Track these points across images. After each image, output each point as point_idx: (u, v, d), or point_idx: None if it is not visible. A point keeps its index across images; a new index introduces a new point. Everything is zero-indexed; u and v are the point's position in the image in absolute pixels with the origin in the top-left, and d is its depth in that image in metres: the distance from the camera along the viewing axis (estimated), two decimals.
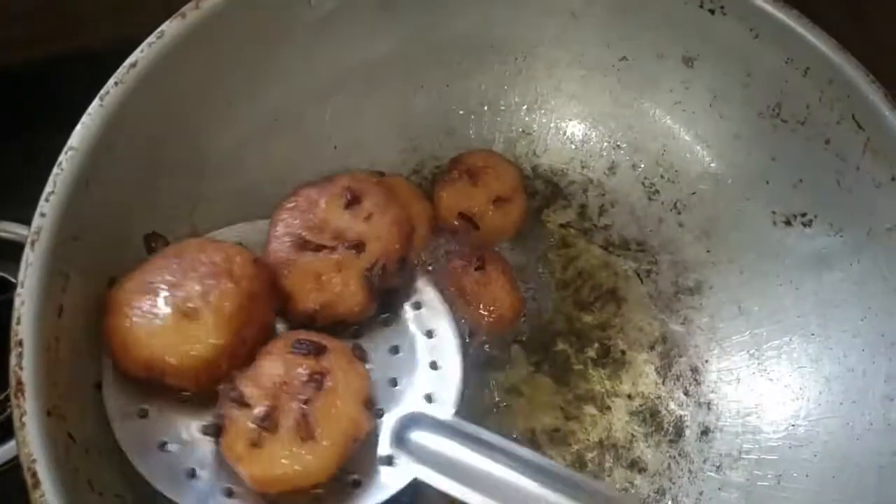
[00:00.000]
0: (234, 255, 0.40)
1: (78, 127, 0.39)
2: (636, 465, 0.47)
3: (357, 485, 0.39)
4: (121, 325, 0.37)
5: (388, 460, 0.39)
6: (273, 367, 0.38)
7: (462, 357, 0.43)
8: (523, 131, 0.55)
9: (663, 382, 0.49)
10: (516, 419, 0.48)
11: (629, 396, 0.49)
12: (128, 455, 0.37)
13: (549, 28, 0.51)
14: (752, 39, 0.47)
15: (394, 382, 0.42)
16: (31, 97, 0.61)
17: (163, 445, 0.38)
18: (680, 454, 0.47)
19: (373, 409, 0.39)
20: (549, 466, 0.38)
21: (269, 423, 0.36)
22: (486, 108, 0.54)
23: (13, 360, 0.34)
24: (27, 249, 0.36)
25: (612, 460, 0.47)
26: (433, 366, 0.43)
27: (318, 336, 0.40)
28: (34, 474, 0.32)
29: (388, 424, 0.40)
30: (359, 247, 0.42)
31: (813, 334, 0.47)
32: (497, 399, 0.48)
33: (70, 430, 0.35)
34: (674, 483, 0.46)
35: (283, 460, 0.36)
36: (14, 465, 0.50)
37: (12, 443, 0.50)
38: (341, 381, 0.38)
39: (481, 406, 0.47)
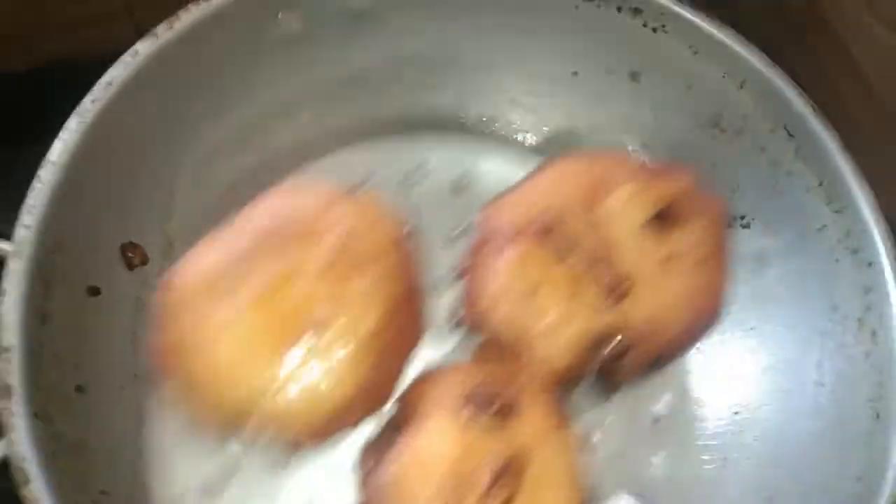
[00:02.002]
0: (370, 224, 0.26)
1: (56, 142, 0.41)
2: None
3: None
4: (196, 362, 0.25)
5: None
6: (443, 444, 0.26)
7: None
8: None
9: None
10: None
11: None
12: None
13: (505, 45, 0.54)
14: (692, 56, 0.50)
15: None
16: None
17: None
18: None
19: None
20: None
21: None
22: (446, 121, 0.57)
23: (0, 366, 0.36)
24: (10, 260, 0.38)
25: None
26: None
27: (501, 374, 0.28)
28: (24, 472, 0.34)
29: None
30: (619, 295, 0.29)
31: (752, 328, 0.50)
32: None
33: (55, 430, 0.37)
34: None
35: None
36: None
37: None
38: (548, 470, 0.27)
39: None
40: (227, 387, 0.25)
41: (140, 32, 0.59)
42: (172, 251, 0.48)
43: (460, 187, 0.55)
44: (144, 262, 0.46)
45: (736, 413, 0.49)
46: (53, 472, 0.35)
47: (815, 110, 0.47)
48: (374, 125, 0.55)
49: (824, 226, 0.47)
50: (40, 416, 0.36)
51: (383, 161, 0.56)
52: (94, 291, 0.42)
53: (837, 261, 0.46)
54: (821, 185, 0.47)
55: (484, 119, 0.57)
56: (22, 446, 0.34)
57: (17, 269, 0.38)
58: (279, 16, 0.48)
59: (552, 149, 0.56)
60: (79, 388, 0.40)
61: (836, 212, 0.46)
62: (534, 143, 0.57)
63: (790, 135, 0.48)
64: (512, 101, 0.56)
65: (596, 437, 0.50)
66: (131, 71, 0.43)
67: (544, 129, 0.57)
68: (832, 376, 0.46)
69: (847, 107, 0.52)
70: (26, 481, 0.34)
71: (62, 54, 0.61)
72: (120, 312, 0.44)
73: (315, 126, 0.54)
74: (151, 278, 0.46)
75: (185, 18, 0.44)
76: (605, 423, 0.49)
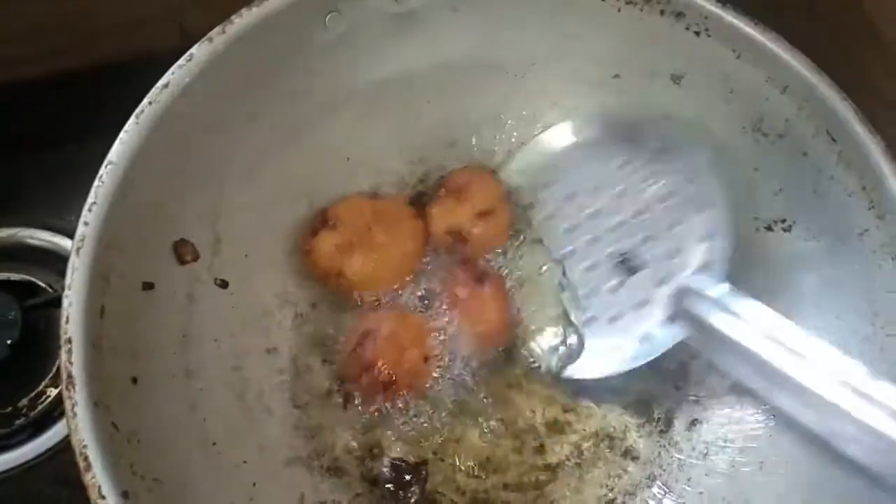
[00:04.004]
0: None
1: (116, 143, 0.42)
2: (629, 454, 0.50)
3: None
4: None
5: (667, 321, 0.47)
6: None
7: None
8: (523, 143, 0.58)
9: (655, 376, 0.52)
10: (519, 411, 0.51)
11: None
12: None
13: (546, 48, 0.55)
14: (735, 59, 0.50)
15: (673, 254, 0.50)
16: (45, 111, 0.64)
17: None
18: (669, 443, 0.51)
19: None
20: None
21: None
22: (486, 121, 0.58)
23: (63, 357, 0.37)
24: (73, 256, 0.39)
25: (606, 449, 0.50)
26: (708, 237, 0.49)
27: None
28: (86, 458, 0.36)
29: (666, 293, 0.48)
30: None
31: None
32: (500, 392, 0.51)
33: (114, 419, 0.38)
34: (664, 470, 0.50)
35: None
36: (38, 461, 0.54)
37: (38, 440, 0.54)
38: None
39: (486, 399, 0.51)
40: None
41: (185, 34, 0.61)
42: (220, 247, 0.49)
43: None
44: (195, 258, 0.47)
45: (774, 416, 0.49)
46: (111, 459, 0.37)
47: (858, 115, 0.47)
48: (417, 125, 0.57)
49: (866, 230, 0.47)
50: (100, 405, 0.37)
51: (425, 160, 0.57)
52: (149, 286, 0.44)
53: (879, 266, 0.46)
54: (864, 189, 0.47)
55: (523, 119, 0.58)
56: (84, 433, 0.36)
57: (78, 265, 0.39)
58: (327, 19, 0.49)
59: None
60: (134, 380, 0.41)
61: (879, 217, 0.46)
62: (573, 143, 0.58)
63: (833, 139, 0.48)
64: (554, 103, 0.57)
65: (632, 440, 0.51)
66: (186, 73, 0.44)
67: (584, 130, 0.58)
68: None
69: (884, 97, 0.52)
70: (88, 468, 0.35)
71: (111, 56, 0.63)
72: (172, 306, 0.46)
73: (359, 126, 0.55)
74: (202, 274, 0.48)
75: (238, 23, 0.45)
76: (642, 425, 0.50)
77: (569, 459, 0.50)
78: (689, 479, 0.49)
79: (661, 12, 0.51)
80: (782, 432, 0.48)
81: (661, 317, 0.48)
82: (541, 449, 0.50)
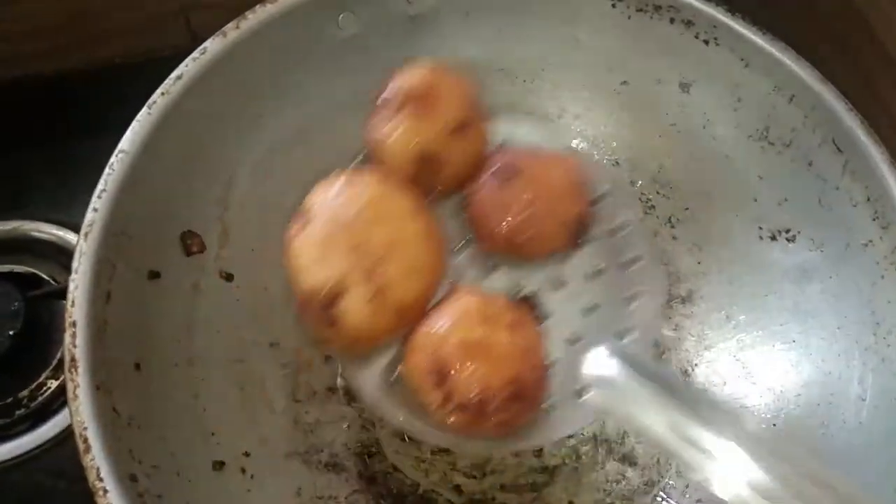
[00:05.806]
0: None
1: (128, 132, 0.43)
2: (627, 459, 0.50)
3: (552, 410, 0.39)
4: None
5: (580, 393, 0.39)
6: None
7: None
8: None
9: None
10: None
11: None
12: None
13: (556, 53, 0.55)
14: (743, 68, 0.51)
15: (591, 311, 0.42)
16: (54, 108, 0.65)
17: None
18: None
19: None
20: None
21: None
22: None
23: (67, 339, 0.38)
24: (80, 241, 0.40)
25: (605, 454, 0.50)
26: (629, 300, 0.43)
27: None
28: (86, 440, 0.36)
29: (583, 355, 0.40)
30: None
31: (794, 341, 0.50)
32: None
33: (115, 404, 0.39)
34: (662, 476, 0.50)
35: None
36: (38, 452, 0.54)
37: (38, 431, 0.54)
38: None
39: None
40: None
41: (195, 37, 0.62)
42: (228, 240, 0.50)
43: None
44: (202, 250, 0.48)
45: (775, 425, 0.49)
46: (111, 442, 0.37)
47: (864, 125, 0.47)
48: None
49: (870, 241, 0.47)
50: (102, 389, 0.38)
51: None
52: (155, 275, 0.45)
53: (882, 277, 0.46)
54: (868, 200, 0.47)
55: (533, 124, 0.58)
56: (84, 416, 0.36)
57: (86, 249, 0.40)
58: (339, 19, 0.50)
59: (599, 153, 0.58)
60: (137, 366, 0.42)
61: (883, 227, 0.46)
62: (583, 148, 0.58)
63: (839, 149, 0.48)
64: (562, 109, 0.58)
65: (630, 445, 0.50)
66: (199, 67, 0.45)
67: (591, 135, 0.58)
68: (874, 391, 0.46)
69: (888, 107, 0.52)
70: (87, 450, 0.36)
71: (119, 54, 0.64)
72: (178, 296, 0.46)
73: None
74: (208, 265, 0.48)
75: (252, 19, 0.46)
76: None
77: (566, 463, 0.50)
78: (686, 486, 0.49)
79: (671, 20, 0.51)
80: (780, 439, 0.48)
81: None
82: (539, 451, 0.50)
